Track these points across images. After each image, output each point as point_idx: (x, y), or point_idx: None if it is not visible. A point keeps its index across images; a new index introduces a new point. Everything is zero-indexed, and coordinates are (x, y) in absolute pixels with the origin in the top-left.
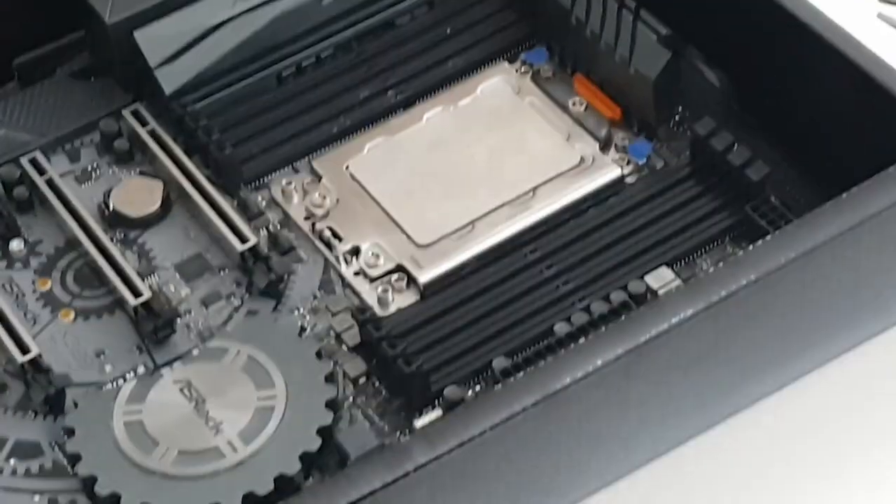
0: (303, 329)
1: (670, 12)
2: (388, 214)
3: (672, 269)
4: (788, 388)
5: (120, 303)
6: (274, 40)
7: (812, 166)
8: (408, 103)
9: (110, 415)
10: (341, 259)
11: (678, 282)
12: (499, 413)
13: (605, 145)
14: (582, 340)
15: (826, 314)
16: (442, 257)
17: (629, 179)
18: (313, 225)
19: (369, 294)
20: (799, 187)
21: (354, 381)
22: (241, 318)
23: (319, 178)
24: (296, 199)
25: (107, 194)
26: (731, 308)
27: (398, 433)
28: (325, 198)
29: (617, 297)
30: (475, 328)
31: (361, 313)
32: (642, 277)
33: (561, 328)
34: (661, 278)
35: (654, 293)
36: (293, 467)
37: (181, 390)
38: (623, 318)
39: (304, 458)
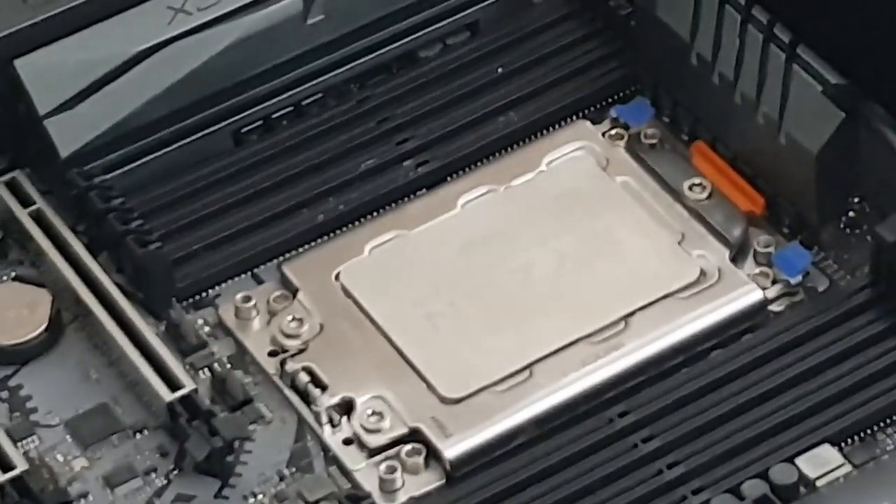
0: None
1: (842, 50)
2: (398, 351)
3: (839, 448)
4: None
5: None
6: (231, 79)
7: None
8: (434, 180)
9: None
10: (324, 418)
11: (848, 467)
12: None
13: (738, 253)
14: None
15: None
16: (481, 420)
17: (775, 306)
18: (282, 364)
19: (367, 474)
20: None
21: None
22: None
23: (294, 292)
24: (257, 323)
25: None
26: None
27: None
28: (301, 322)
29: (752, 488)
30: None
31: (355, 503)
32: (792, 460)
33: None
34: (822, 462)
35: (812, 484)
36: None
37: None
38: None
39: None
